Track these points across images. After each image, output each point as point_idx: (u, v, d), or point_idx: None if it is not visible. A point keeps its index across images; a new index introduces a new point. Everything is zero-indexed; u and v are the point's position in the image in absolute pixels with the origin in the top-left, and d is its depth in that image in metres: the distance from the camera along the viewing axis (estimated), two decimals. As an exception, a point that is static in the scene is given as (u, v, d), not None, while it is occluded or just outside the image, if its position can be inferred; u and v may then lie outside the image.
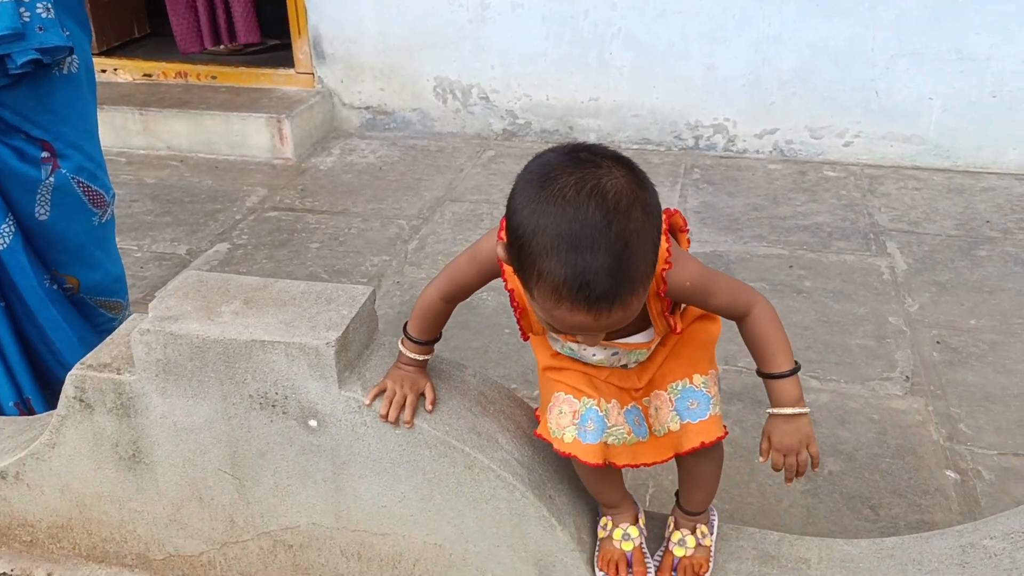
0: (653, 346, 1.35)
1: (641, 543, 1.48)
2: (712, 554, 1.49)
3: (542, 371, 1.41)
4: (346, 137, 4.28)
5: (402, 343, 1.43)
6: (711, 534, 1.50)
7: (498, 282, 1.32)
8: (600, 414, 1.34)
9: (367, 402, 1.38)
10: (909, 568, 1.42)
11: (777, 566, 1.49)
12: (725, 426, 1.37)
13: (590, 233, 1.02)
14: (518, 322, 1.36)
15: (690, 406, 1.34)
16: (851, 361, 2.53)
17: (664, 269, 1.19)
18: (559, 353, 1.39)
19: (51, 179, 1.78)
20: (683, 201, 3.61)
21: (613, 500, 1.49)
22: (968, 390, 2.41)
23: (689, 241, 1.34)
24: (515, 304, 1.32)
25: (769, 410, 1.32)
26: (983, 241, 3.28)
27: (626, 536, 1.47)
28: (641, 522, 1.50)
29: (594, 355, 1.34)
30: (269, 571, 1.61)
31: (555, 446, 1.36)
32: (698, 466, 1.42)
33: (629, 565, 1.45)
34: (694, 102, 3.99)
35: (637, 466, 1.39)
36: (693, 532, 1.48)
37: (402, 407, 1.38)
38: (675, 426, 1.35)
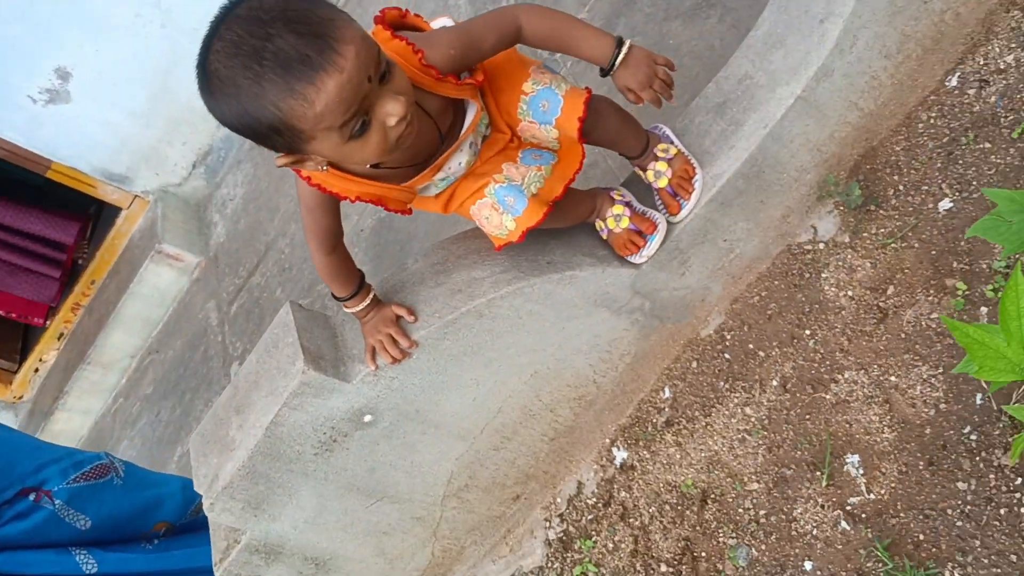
0: (483, 111, 1.33)
1: (630, 212, 1.50)
2: (687, 155, 1.50)
3: (445, 213, 1.42)
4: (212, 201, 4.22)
5: (344, 306, 1.45)
6: (672, 143, 1.51)
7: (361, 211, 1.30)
8: (505, 186, 1.35)
9: (373, 368, 1.43)
10: None
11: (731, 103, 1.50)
12: (587, 88, 1.35)
13: (254, 42, 1.00)
14: (389, 210, 1.36)
15: (543, 108, 1.33)
16: None
17: (420, 59, 1.18)
18: (442, 192, 1.38)
19: (57, 502, 1.82)
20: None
21: (586, 210, 1.52)
22: None
23: (424, 19, 1.30)
24: (368, 202, 1.31)
25: (608, 75, 1.31)
26: None
27: (616, 217, 1.50)
28: (617, 195, 1.52)
29: (460, 163, 1.33)
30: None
31: (514, 239, 1.37)
32: (602, 128, 1.41)
33: (641, 234, 1.49)
34: None
35: (573, 180, 1.40)
36: (657, 159, 1.49)
37: (394, 342, 1.43)
38: (555, 132, 1.35)
